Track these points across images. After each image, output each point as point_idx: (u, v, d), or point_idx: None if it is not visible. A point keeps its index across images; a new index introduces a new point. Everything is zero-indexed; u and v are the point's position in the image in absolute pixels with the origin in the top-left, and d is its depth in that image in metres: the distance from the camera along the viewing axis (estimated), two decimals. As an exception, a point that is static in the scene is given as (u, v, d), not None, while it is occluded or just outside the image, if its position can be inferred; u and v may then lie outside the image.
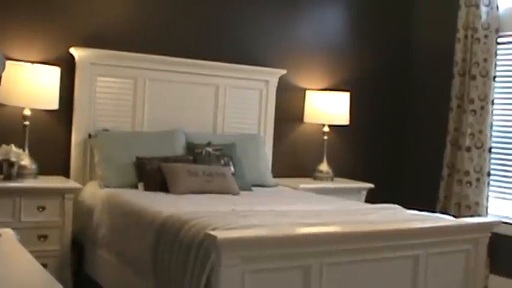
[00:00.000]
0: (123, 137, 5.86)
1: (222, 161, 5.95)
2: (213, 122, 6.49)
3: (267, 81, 6.74)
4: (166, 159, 5.68)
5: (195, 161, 5.82)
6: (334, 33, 7.34)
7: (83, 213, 5.51)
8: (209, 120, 6.47)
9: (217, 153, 5.98)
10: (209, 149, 5.96)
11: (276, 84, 6.80)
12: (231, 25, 6.65)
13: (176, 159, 5.75)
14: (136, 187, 5.56)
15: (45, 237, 5.27)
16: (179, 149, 5.97)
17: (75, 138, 5.87)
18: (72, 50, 5.82)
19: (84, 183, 5.74)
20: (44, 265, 3.03)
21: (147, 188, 5.51)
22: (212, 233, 3.49)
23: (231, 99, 6.56)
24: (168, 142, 5.96)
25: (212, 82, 6.45)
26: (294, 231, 3.88)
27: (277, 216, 4.42)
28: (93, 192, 5.54)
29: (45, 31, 5.79)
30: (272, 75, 6.77)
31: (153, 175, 5.57)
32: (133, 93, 6.09)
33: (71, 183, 5.58)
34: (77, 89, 5.86)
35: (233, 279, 3.46)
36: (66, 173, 5.85)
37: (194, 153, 5.92)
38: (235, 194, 5.64)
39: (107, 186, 5.52)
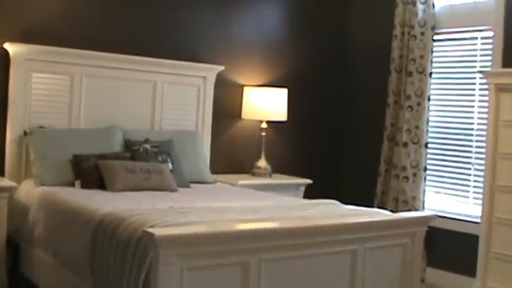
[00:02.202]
0: (59, 134, 5.78)
1: (160, 158, 5.91)
2: (151, 118, 6.44)
3: (204, 78, 6.72)
4: (104, 157, 5.63)
5: (132, 158, 5.78)
6: (272, 29, 7.35)
7: (18, 212, 5.41)
8: (147, 117, 6.43)
9: (155, 150, 5.94)
10: (147, 146, 5.92)
11: (214, 81, 6.78)
12: (169, 21, 6.61)
13: (113, 157, 5.69)
14: (73, 185, 5.49)
15: (-21, 236, 5.19)
16: (116, 146, 5.92)
17: (10, 135, 5.77)
18: (7, 46, 5.72)
19: (19, 182, 5.65)
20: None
21: (84, 186, 5.45)
22: (150, 230, 3.47)
23: (169, 96, 6.52)
24: (105, 139, 5.91)
25: (150, 78, 6.40)
26: (233, 228, 3.89)
27: (215, 213, 4.42)
28: (29, 191, 5.45)
29: (-22, 27, 5.69)
30: (210, 72, 6.75)
31: (90, 173, 5.51)
32: (69, 90, 6.01)
33: (5, 182, 5.47)
34: (11, 85, 5.76)
35: (171, 277, 3.45)
36: (0, 171, 5.75)
37: (132, 150, 5.87)
38: (174, 191, 5.61)
39: (43, 185, 5.43)
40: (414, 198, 6.80)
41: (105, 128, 6.00)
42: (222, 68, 6.81)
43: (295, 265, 4.01)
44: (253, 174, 6.91)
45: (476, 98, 6.63)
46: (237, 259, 3.73)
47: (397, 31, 7.00)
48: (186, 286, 3.52)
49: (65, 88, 5.99)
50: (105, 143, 5.87)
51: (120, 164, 5.54)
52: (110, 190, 5.37)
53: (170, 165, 5.91)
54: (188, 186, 5.93)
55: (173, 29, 6.63)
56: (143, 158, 5.81)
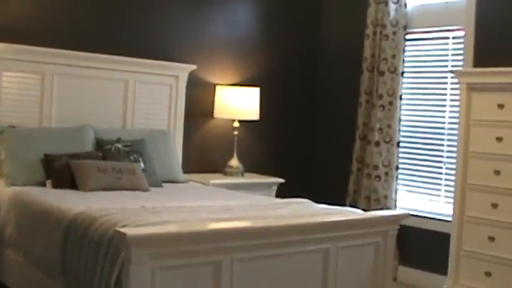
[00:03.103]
0: (30, 134, 5.73)
1: (132, 157, 5.89)
2: (123, 117, 6.41)
3: (176, 77, 6.70)
4: (75, 156, 5.59)
5: (104, 158, 5.74)
6: (244, 28, 7.35)
7: (-12, 213, 5.36)
8: (119, 116, 6.39)
9: (127, 149, 5.91)
10: (119, 145, 5.90)
11: (186, 80, 6.76)
12: (141, 20, 6.58)
13: (85, 156, 5.66)
14: (44, 185, 5.44)
15: None
16: (88, 146, 5.88)
17: (-20, 135, 5.72)
18: (-23, 45, 5.68)
19: (-10, 182, 5.60)
20: None
21: (56, 186, 5.41)
22: (122, 230, 3.46)
23: (141, 95, 6.49)
24: (76, 138, 5.87)
25: (121, 77, 6.37)
26: (205, 227, 3.88)
27: (187, 212, 4.42)
28: (0, 191, 5.39)
29: None
30: (182, 71, 6.73)
31: (61, 172, 5.47)
32: (40, 89, 5.96)
33: (-25, 182, 5.44)
34: (-19, 84, 5.72)
35: (143, 277, 3.44)
36: (-30, 171, 5.69)
37: (103, 149, 5.84)
38: (146, 190, 5.59)
39: (14, 184, 5.38)
40: (386, 197, 6.83)
41: (77, 127, 5.96)
42: (194, 67, 6.79)
43: (267, 264, 4.01)
44: (226, 174, 6.90)
45: (448, 97, 6.67)
46: (209, 258, 3.73)
47: (369, 30, 7.03)
48: (158, 286, 3.51)
49: (36, 87, 5.94)
50: (77, 142, 5.83)
51: (91, 164, 5.51)
52: (81, 190, 5.34)
53: (142, 164, 5.89)
54: (160, 186, 5.91)
55: (145, 28, 6.60)
56: (115, 158, 5.78)
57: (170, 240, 3.55)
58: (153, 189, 5.70)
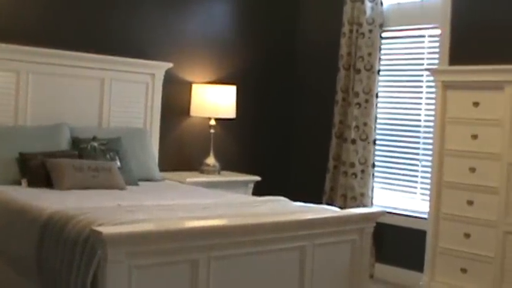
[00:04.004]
0: (5, 132, 5.68)
1: (108, 156, 5.86)
2: (99, 116, 6.38)
3: (153, 75, 6.68)
4: (51, 155, 5.56)
5: (80, 156, 5.72)
6: (220, 26, 7.34)
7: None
8: (94, 114, 6.36)
9: (103, 147, 5.89)
10: (94, 144, 5.87)
11: (162, 78, 6.74)
12: (117, 17, 6.55)
13: (61, 155, 5.63)
14: (19, 183, 5.41)
15: None
16: (64, 144, 5.84)
17: (-46, 134, 5.67)
18: (-50, 42, 5.63)
19: (-36, 181, 5.55)
20: None
21: (31, 185, 5.37)
22: (98, 228, 3.45)
23: (117, 93, 6.46)
24: (52, 137, 5.83)
25: (97, 75, 6.34)
26: (181, 226, 3.87)
27: (164, 211, 4.40)
28: (-26, 190, 5.35)
29: None
30: (158, 69, 6.71)
31: (37, 171, 5.44)
32: (15, 87, 5.91)
33: (-50, 181, 5.39)
34: (-45, 82, 5.67)
35: (120, 275, 3.43)
36: None
37: (79, 148, 5.81)
38: (122, 189, 5.57)
39: (-12, 184, 5.35)
40: (362, 195, 6.85)
41: (52, 126, 5.92)
42: (170, 65, 6.77)
43: (244, 262, 4.01)
44: (202, 172, 6.88)
45: (424, 95, 6.70)
46: (186, 257, 3.73)
47: (345, 29, 7.04)
48: (135, 284, 3.50)
49: (10, 85, 5.89)
50: (52, 140, 5.79)
51: (67, 162, 5.48)
52: (57, 188, 5.31)
53: (118, 163, 5.87)
54: (136, 184, 5.89)
55: (121, 26, 6.58)
56: (91, 156, 5.76)
57: (147, 238, 3.54)
58: (129, 187, 5.67)
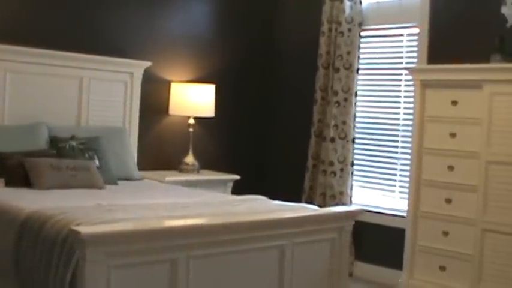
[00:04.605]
0: (-18, 132, 5.66)
1: (87, 155, 5.83)
2: (77, 115, 6.35)
3: (131, 74, 6.65)
4: (29, 154, 5.52)
5: (58, 155, 5.68)
6: (199, 25, 7.33)
7: None
8: (73, 114, 6.33)
9: (82, 147, 5.86)
10: (73, 143, 5.84)
11: (141, 77, 6.72)
12: (95, 16, 6.52)
13: (39, 154, 5.59)
14: (-4, 183, 5.38)
15: None
16: (42, 143, 5.81)
17: None
18: None
19: None
20: None
21: (9, 184, 5.33)
22: (76, 228, 3.43)
23: (95, 92, 6.44)
24: (30, 136, 5.80)
25: (75, 74, 6.31)
26: (160, 225, 3.86)
27: (143, 210, 4.39)
28: (-50, 190, 5.31)
29: None
30: (137, 68, 6.69)
31: (14, 170, 5.40)
32: (-8, 86, 5.89)
33: None
34: None
35: (98, 275, 3.41)
36: None
37: (58, 147, 5.78)
38: (101, 188, 5.55)
39: (-35, 183, 5.31)
40: (341, 193, 6.86)
41: (30, 125, 5.89)
42: (149, 63, 6.75)
43: (223, 261, 4.00)
44: (181, 171, 6.87)
45: (402, 94, 6.73)
46: (165, 256, 3.72)
47: (324, 27, 7.05)
48: (114, 284, 3.48)
49: (-12, 84, 5.87)
50: (31, 140, 5.76)
51: (46, 162, 5.45)
52: (35, 188, 5.27)
53: (97, 162, 5.84)
54: (115, 183, 5.87)
55: (100, 24, 6.55)
56: (69, 155, 5.73)
57: (125, 238, 3.53)
58: (108, 186, 5.65)
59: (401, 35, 6.77)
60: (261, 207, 4.83)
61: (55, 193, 5.11)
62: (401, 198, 6.63)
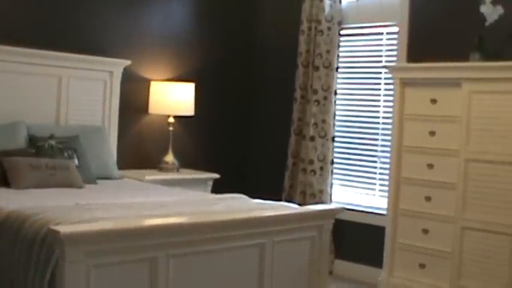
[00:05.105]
0: (-40, 131, 5.62)
1: (66, 154, 5.80)
2: (56, 114, 6.31)
3: (111, 72, 6.62)
4: (7, 153, 5.48)
5: (37, 154, 5.64)
6: (179, 24, 7.31)
7: None
8: (52, 112, 6.29)
9: (61, 146, 5.82)
10: (52, 142, 5.80)
11: (121, 75, 6.69)
12: (74, 14, 6.49)
13: (18, 153, 5.55)
14: (-26, 183, 5.34)
15: None
16: (21, 142, 5.76)
17: None
18: None
19: None
20: None
21: (-13, 184, 5.31)
22: (55, 228, 3.41)
23: (75, 91, 6.40)
24: (8, 135, 5.75)
25: (55, 73, 6.27)
26: (140, 224, 3.84)
27: (122, 209, 4.38)
28: None
29: None
30: (116, 66, 6.66)
31: (-8, 170, 5.37)
32: (-30, 85, 5.85)
33: None
34: None
35: (78, 275, 3.40)
36: None
37: (36, 146, 5.74)
38: (80, 187, 5.52)
39: None
40: (321, 192, 6.87)
41: (9, 124, 5.84)
42: (128, 62, 6.72)
43: (203, 260, 4.00)
44: (161, 170, 6.85)
45: (382, 92, 6.75)
46: (145, 255, 3.70)
47: (304, 26, 7.06)
48: (93, 283, 3.47)
49: (-35, 83, 5.83)
50: (9, 139, 5.71)
51: (24, 161, 5.42)
52: (14, 188, 5.24)
53: (76, 161, 5.81)
54: (95, 183, 5.84)
55: (79, 23, 6.51)
56: (48, 154, 5.69)
57: (105, 237, 3.51)
58: (87, 186, 5.63)
59: (381, 33, 6.79)
60: (240, 206, 4.83)
61: (34, 192, 5.08)
62: (381, 196, 6.65)
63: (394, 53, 6.55)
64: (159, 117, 7.02)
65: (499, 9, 5.57)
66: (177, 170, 6.89)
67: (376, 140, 6.79)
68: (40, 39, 6.17)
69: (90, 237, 3.45)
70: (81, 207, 4.38)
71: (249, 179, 7.72)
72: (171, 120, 6.92)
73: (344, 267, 6.82)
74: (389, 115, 6.38)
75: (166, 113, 6.90)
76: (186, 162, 7.11)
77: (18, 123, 5.88)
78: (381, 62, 6.74)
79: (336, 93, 6.92)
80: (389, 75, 6.20)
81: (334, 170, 7.02)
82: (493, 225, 5.36)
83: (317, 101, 6.90)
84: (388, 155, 6.26)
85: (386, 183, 6.20)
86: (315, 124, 6.92)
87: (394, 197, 5.99)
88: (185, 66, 7.31)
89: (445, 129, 5.69)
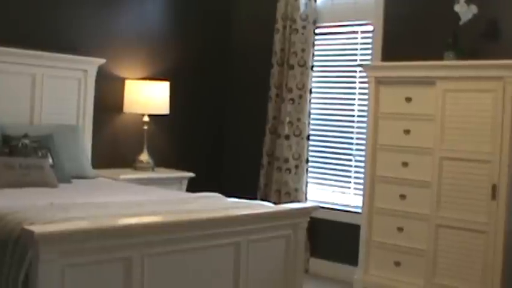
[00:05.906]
0: None
1: (40, 153, 5.76)
2: (30, 112, 6.26)
3: (85, 71, 6.58)
4: (-20, 153, 5.45)
5: (11, 154, 5.60)
6: (154, 22, 7.29)
7: None
8: (26, 111, 6.24)
9: (35, 145, 5.78)
10: (26, 141, 5.75)
11: (95, 74, 6.65)
12: (48, 12, 6.44)
13: (-9, 152, 5.52)
14: None
15: None
16: (-6, 142, 5.73)
17: None
18: None
19: None
20: None
21: (-41, 184, 5.26)
22: (29, 228, 3.39)
23: (49, 89, 6.35)
24: (-18, 134, 5.71)
25: (28, 71, 6.22)
26: (114, 223, 3.83)
27: (97, 208, 4.35)
28: None
29: None
30: (91, 65, 6.62)
31: (-35, 169, 5.32)
32: None
33: None
34: None
35: (52, 275, 3.38)
36: None
37: (10, 145, 5.68)
38: (54, 186, 5.49)
39: None
40: (297, 190, 6.88)
41: (-18, 123, 5.81)
42: (103, 61, 6.69)
43: (178, 259, 3.99)
44: (136, 168, 6.83)
45: (357, 90, 6.77)
46: (119, 254, 3.70)
47: (279, 25, 7.07)
48: (68, 283, 3.45)
49: None
50: (-18, 138, 5.68)
51: (-2, 160, 5.39)
52: (-13, 187, 5.21)
53: (50, 160, 5.77)
54: (69, 182, 5.81)
55: (53, 21, 6.47)
56: (22, 154, 5.65)
57: (79, 237, 3.49)
58: (61, 185, 5.60)
59: (356, 32, 6.81)
60: (216, 205, 4.83)
61: (7, 192, 5.04)
62: (356, 194, 6.68)
63: (369, 51, 6.57)
64: (133, 116, 6.99)
65: (473, 9, 5.61)
66: (152, 169, 6.87)
67: (351, 138, 6.81)
68: (14, 37, 6.12)
69: (65, 237, 3.43)
70: (55, 206, 4.35)
71: (224, 177, 7.72)
72: (146, 119, 6.90)
73: (319, 265, 6.83)
74: (364, 114, 6.40)
75: (141, 111, 6.88)
76: (161, 161, 7.09)
77: (-8, 122, 5.84)
78: (355, 60, 6.75)
79: (311, 92, 6.93)
80: (364, 74, 6.21)
81: (309, 169, 7.03)
82: (467, 222, 5.40)
83: (292, 99, 6.91)
84: (363, 153, 6.28)
85: (362, 181, 6.21)
86: (290, 123, 6.92)
87: (369, 195, 6.01)
88: (160, 65, 7.29)
89: (419, 128, 5.72)
